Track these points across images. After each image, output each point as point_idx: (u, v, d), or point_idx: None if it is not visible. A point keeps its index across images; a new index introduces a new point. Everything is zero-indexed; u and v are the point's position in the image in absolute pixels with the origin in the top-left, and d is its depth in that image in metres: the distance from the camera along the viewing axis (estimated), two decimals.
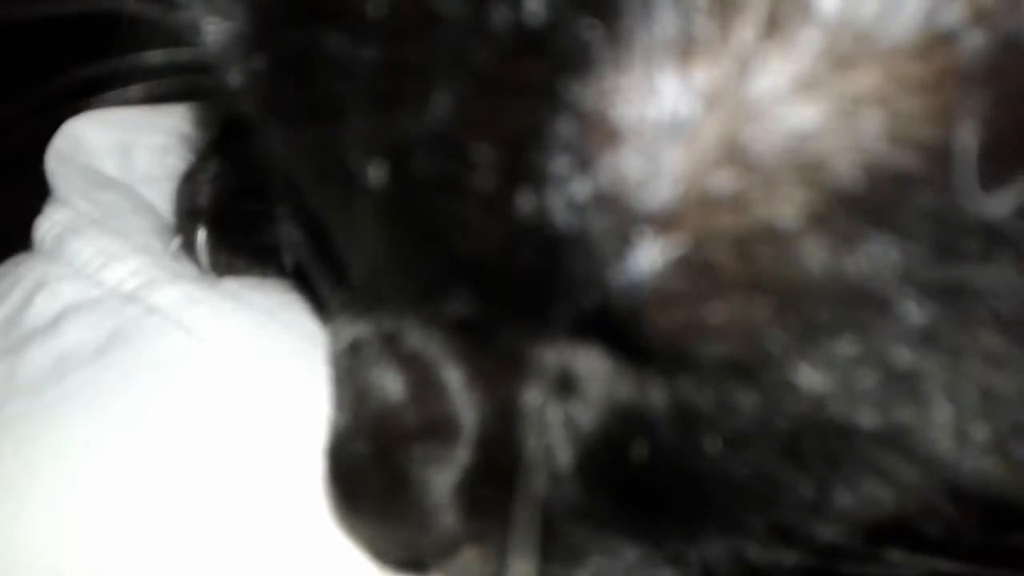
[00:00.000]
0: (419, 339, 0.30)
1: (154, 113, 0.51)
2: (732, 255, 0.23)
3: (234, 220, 0.44)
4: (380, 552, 0.34)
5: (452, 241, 0.26)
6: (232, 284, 0.44)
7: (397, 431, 0.31)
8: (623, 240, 0.24)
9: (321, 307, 0.39)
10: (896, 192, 0.22)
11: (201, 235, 0.44)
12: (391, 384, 0.31)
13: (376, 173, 0.26)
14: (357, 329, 0.31)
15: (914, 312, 0.23)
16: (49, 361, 0.40)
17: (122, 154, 0.49)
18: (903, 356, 0.24)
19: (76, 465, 0.37)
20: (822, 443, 0.26)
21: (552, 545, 0.31)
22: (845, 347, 0.24)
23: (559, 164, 0.24)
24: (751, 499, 0.27)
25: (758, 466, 0.26)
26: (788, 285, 0.23)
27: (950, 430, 0.25)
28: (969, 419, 0.25)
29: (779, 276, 0.23)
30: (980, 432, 0.25)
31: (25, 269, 0.45)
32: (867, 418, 0.25)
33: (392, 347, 0.30)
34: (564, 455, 0.30)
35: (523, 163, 0.24)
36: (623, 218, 0.23)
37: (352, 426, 0.32)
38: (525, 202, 0.24)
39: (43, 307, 0.43)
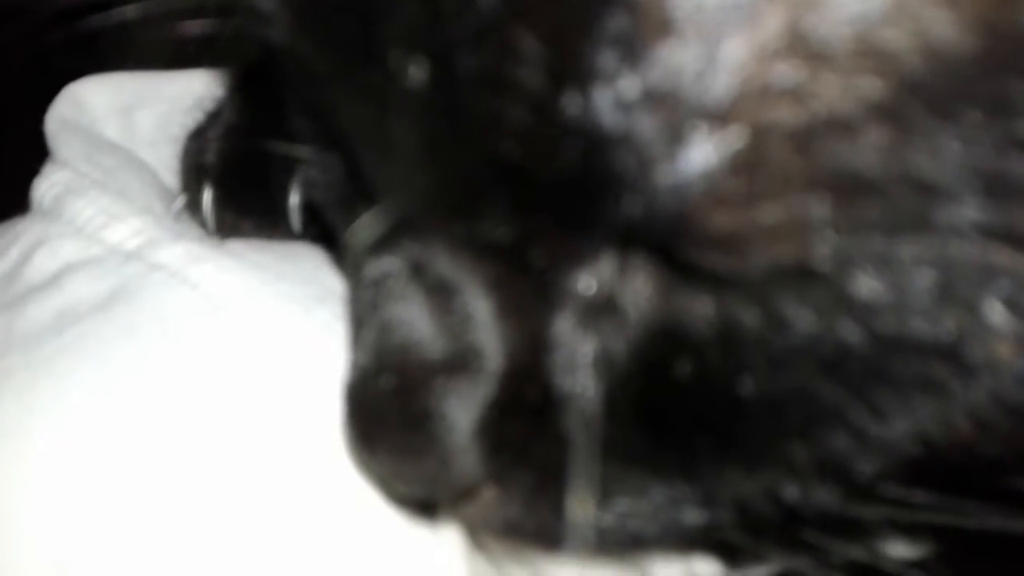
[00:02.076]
0: (447, 266, 0.29)
1: (158, 79, 0.50)
2: (791, 149, 0.22)
3: (242, 179, 0.43)
4: (397, 493, 0.33)
5: (493, 145, 0.25)
6: (238, 245, 0.43)
7: (421, 365, 0.30)
8: (674, 138, 0.23)
9: (336, 258, 0.39)
10: (963, 80, 0.22)
11: (207, 194, 0.43)
12: (417, 316, 0.30)
13: (417, 73, 0.25)
14: (382, 263, 0.31)
15: (976, 208, 0.22)
16: (49, 316, 0.39)
17: (124, 118, 0.48)
18: (963, 255, 0.23)
19: (77, 410, 0.35)
20: (873, 359, 0.25)
21: (573, 484, 0.30)
22: (903, 247, 0.23)
23: (608, 59, 0.23)
24: (793, 425, 0.27)
25: (803, 387, 0.26)
26: (848, 181, 0.22)
27: (1009, 337, 0.24)
28: None
29: (839, 171, 0.22)
30: None
31: (23, 227, 0.44)
32: (922, 327, 0.24)
33: (419, 277, 0.30)
34: (595, 386, 0.29)
35: (571, 58, 0.23)
36: (675, 114, 0.23)
37: (374, 362, 0.31)
38: (571, 101, 0.24)
39: (43, 264, 0.42)
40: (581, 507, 0.29)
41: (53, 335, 0.38)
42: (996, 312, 0.24)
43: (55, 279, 0.41)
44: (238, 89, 0.44)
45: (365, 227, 0.30)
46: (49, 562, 0.33)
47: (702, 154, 0.22)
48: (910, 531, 0.31)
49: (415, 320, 0.30)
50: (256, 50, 0.37)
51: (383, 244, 0.31)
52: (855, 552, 0.32)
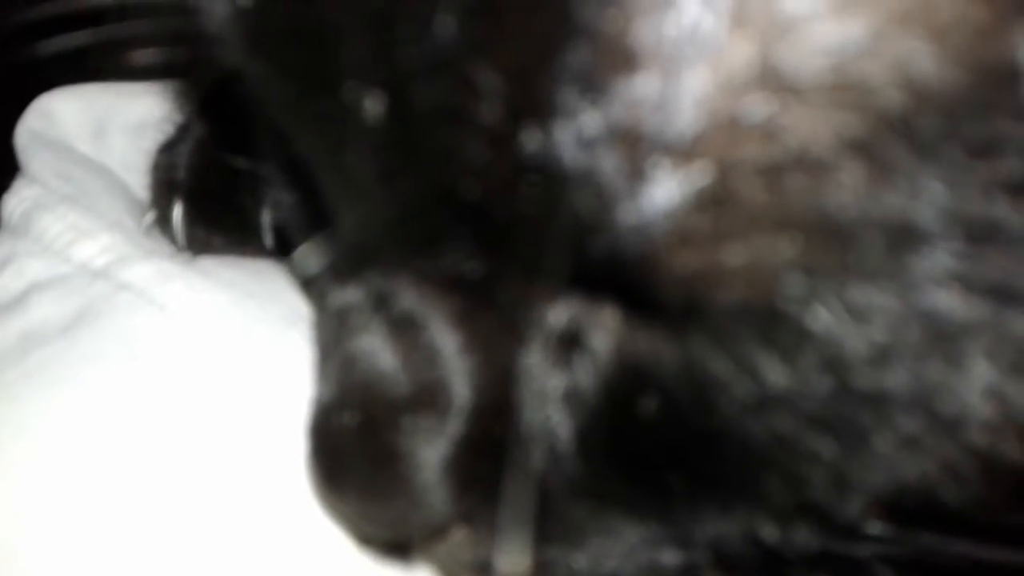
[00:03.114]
0: (412, 299, 0.28)
1: (130, 90, 0.49)
2: (759, 187, 0.21)
3: (213, 194, 0.42)
4: (364, 534, 0.32)
5: (452, 181, 0.24)
6: (208, 262, 0.42)
7: (386, 401, 0.29)
8: (637, 175, 0.22)
9: (304, 281, 0.38)
10: (946, 117, 0.20)
11: (177, 209, 0.42)
12: (381, 350, 0.29)
13: (373, 106, 0.24)
14: (346, 294, 0.29)
15: (955, 255, 0.21)
16: (13, 339, 0.38)
17: (96, 131, 0.47)
18: (940, 304, 0.22)
19: (39, 441, 0.34)
20: (845, 409, 0.24)
21: (548, 526, 0.29)
22: (876, 293, 0.22)
23: (569, 93, 0.22)
24: (768, 465, 0.25)
25: (776, 431, 0.24)
26: (820, 222, 0.21)
27: (986, 392, 0.23)
28: (1007, 380, 0.23)
29: (810, 211, 0.21)
30: (1019, 395, 0.23)
31: None
32: (893, 380, 0.23)
33: (383, 310, 0.28)
34: (565, 425, 0.28)
35: (530, 93, 0.22)
36: (638, 151, 0.22)
37: (337, 397, 0.29)
38: (531, 137, 0.22)
39: (9, 284, 0.41)
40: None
41: (17, 359, 0.37)
42: (971, 366, 0.22)
43: (20, 299, 0.39)
44: (207, 104, 0.42)
45: (309, 255, 0.29)
46: None
47: (666, 192, 0.21)
48: (897, 567, 0.30)
49: (379, 354, 0.29)
50: (218, 70, 0.36)
51: (346, 274, 0.29)
52: None
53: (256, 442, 0.35)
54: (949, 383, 0.23)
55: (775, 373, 0.23)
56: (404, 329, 0.28)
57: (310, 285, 0.33)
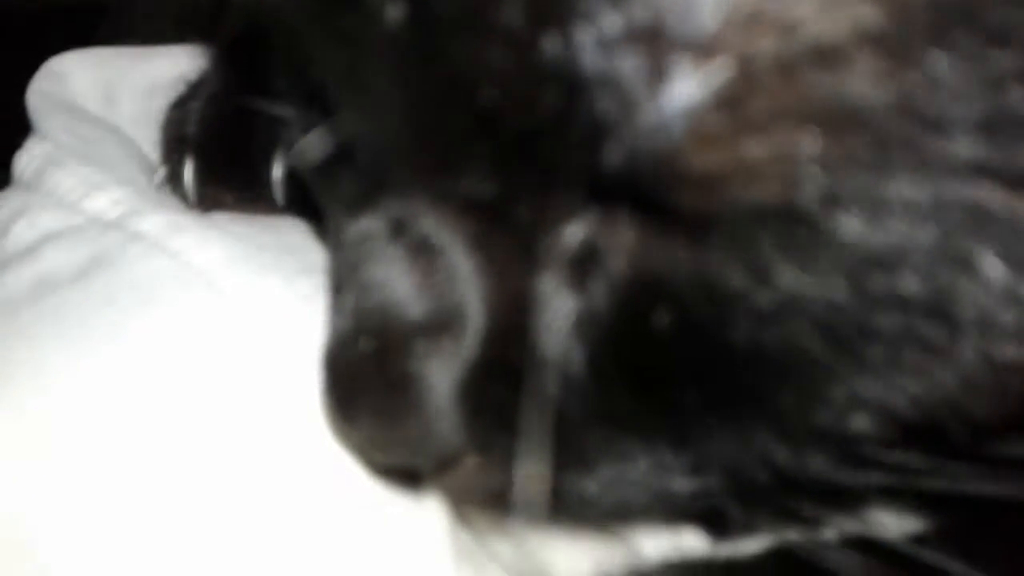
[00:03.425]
0: (429, 223, 0.28)
1: (140, 54, 0.49)
2: (778, 80, 0.21)
3: (224, 151, 0.42)
4: (377, 461, 0.32)
5: (472, 92, 0.24)
6: (220, 217, 0.42)
7: (401, 325, 0.29)
8: (657, 75, 0.22)
9: (319, 228, 0.38)
10: (962, 5, 0.21)
11: (188, 165, 0.42)
12: (396, 275, 0.29)
13: (393, 13, 0.24)
14: (361, 224, 0.30)
15: (971, 144, 0.21)
16: (25, 284, 0.38)
17: (106, 94, 0.47)
18: (956, 196, 0.22)
19: (52, 379, 0.34)
20: (860, 315, 0.24)
21: (560, 453, 0.29)
22: (894, 186, 0.22)
23: None
24: (782, 382, 0.26)
25: (791, 341, 0.25)
26: (838, 113, 0.21)
27: (1003, 296, 0.23)
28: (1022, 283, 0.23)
29: (829, 103, 0.21)
30: None
31: (2, 201, 0.43)
32: (912, 282, 0.23)
33: (399, 236, 0.29)
34: (579, 348, 0.28)
35: None
36: (658, 50, 0.22)
37: (353, 325, 0.30)
38: (552, 42, 0.23)
39: (21, 235, 0.41)
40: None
41: (29, 303, 0.37)
42: (988, 265, 0.23)
43: (33, 249, 0.40)
44: (223, 59, 0.43)
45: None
46: (11, 532, 0.32)
47: (686, 90, 0.22)
48: (904, 501, 0.30)
49: (395, 280, 0.29)
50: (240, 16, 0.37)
51: (362, 203, 0.30)
52: (848, 524, 0.31)
53: (266, 389, 0.35)
54: (964, 286, 0.23)
55: (791, 278, 0.24)
56: (421, 254, 0.28)
57: (326, 226, 0.33)
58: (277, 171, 0.41)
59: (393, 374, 0.29)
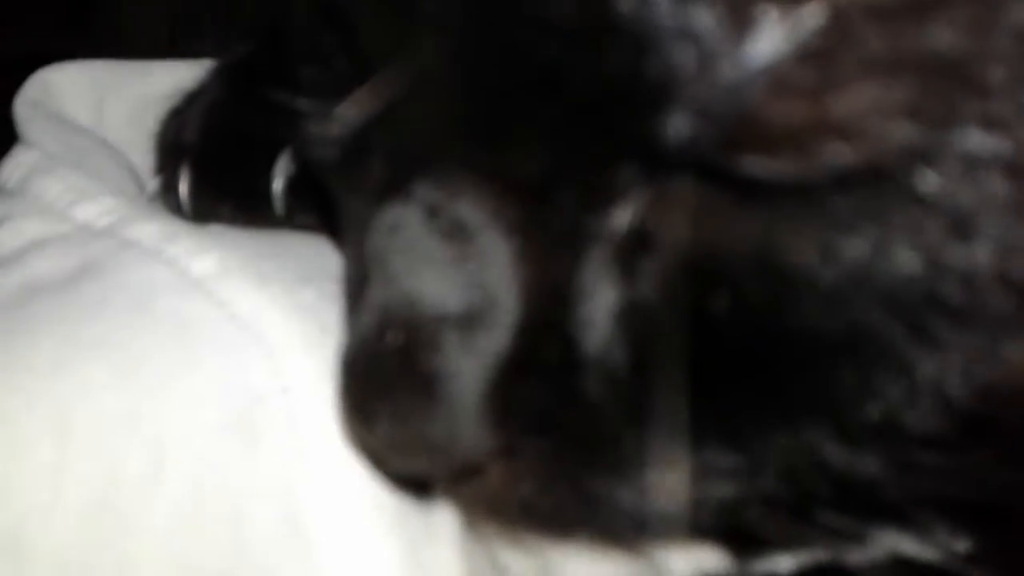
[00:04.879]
0: (466, 206, 0.26)
1: (131, 67, 0.48)
2: (870, 30, 0.20)
3: (222, 160, 0.41)
4: (393, 467, 0.30)
5: (533, 49, 0.23)
6: (216, 227, 0.40)
7: (430, 317, 0.27)
8: (741, 26, 0.21)
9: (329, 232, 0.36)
10: None
11: (184, 174, 0.40)
12: (427, 263, 0.27)
13: None
14: (391, 213, 0.28)
15: None
16: (12, 289, 0.36)
17: (96, 104, 0.46)
18: None
19: (41, 384, 0.32)
20: (932, 285, 0.23)
21: (594, 457, 0.28)
22: (980, 139, 0.21)
23: None
24: (841, 368, 0.24)
25: (855, 322, 0.23)
26: (932, 63, 0.21)
27: None
28: None
29: (922, 52, 0.21)
30: None
31: None
32: (986, 249, 0.22)
33: (433, 222, 0.27)
34: (622, 341, 0.26)
35: None
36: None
37: (378, 320, 0.28)
38: None
39: (6, 241, 0.39)
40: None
41: (16, 308, 0.35)
42: None
43: (19, 256, 0.38)
44: (227, 67, 0.41)
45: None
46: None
47: (771, 42, 0.21)
48: (953, 515, 0.29)
49: (426, 269, 0.27)
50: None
51: (393, 190, 0.28)
52: (891, 540, 0.29)
53: (265, 399, 0.33)
54: None
55: (864, 250, 0.22)
56: (455, 240, 0.27)
57: (345, 222, 0.32)
58: (278, 181, 0.40)
59: (420, 370, 0.27)
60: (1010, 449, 0.26)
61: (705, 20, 0.21)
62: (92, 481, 0.30)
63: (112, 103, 0.46)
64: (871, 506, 0.28)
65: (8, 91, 0.46)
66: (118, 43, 0.92)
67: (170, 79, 0.46)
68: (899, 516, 0.29)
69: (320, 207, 0.34)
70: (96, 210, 0.38)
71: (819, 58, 0.21)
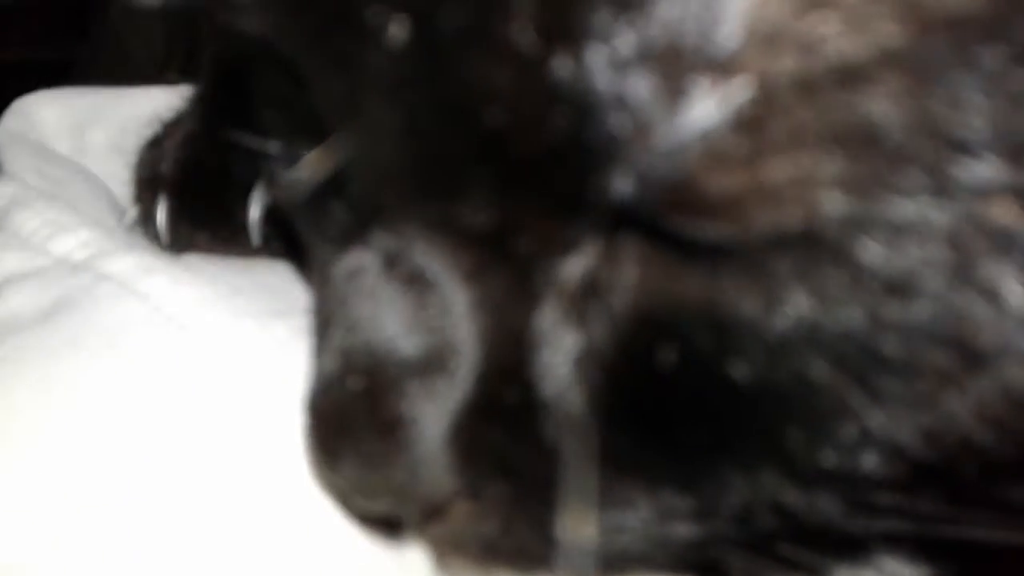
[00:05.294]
0: (423, 256, 0.27)
1: (109, 95, 0.48)
2: (800, 101, 0.21)
3: (199, 191, 0.41)
4: (359, 507, 0.30)
5: (477, 113, 0.23)
6: (193, 258, 0.41)
7: (391, 363, 0.28)
8: (674, 96, 0.21)
9: (300, 268, 0.37)
10: (988, 24, 0.20)
11: (161, 205, 0.41)
12: (388, 310, 0.28)
13: (397, 31, 0.23)
14: (352, 258, 0.28)
15: (998, 167, 0.21)
16: None
17: (75, 133, 0.46)
18: (982, 222, 0.21)
19: (14, 429, 0.33)
20: (875, 345, 0.23)
21: (557, 498, 0.28)
22: (918, 210, 0.21)
23: (604, 14, 0.21)
24: (791, 420, 0.25)
25: (802, 375, 0.24)
26: (861, 135, 0.21)
27: (1022, 322, 0.22)
28: None
29: (851, 124, 0.21)
30: None
31: None
32: (928, 309, 0.22)
33: (392, 270, 0.27)
34: (579, 386, 0.27)
35: (563, 15, 0.22)
36: (675, 70, 0.21)
37: (341, 364, 0.28)
38: (562, 63, 0.22)
39: None
40: (576, 525, 0.26)
41: None
42: (1008, 290, 0.22)
43: None
44: (202, 98, 0.41)
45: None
46: None
47: (704, 111, 0.21)
48: (910, 548, 0.29)
49: (386, 316, 0.28)
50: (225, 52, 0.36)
51: (353, 236, 0.29)
52: (851, 573, 0.30)
53: (239, 436, 0.33)
54: (982, 312, 0.22)
55: (806, 307, 0.23)
56: (413, 288, 0.27)
57: (310, 263, 0.32)
58: (254, 211, 0.40)
59: (382, 415, 0.28)
60: (962, 489, 0.26)
61: (640, 89, 0.21)
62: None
63: (92, 130, 0.47)
64: (829, 541, 0.28)
65: (5, 97, 0.46)
66: (114, 51, 0.92)
67: (150, 105, 0.46)
68: (857, 549, 0.29)
69: (289, 240, 0.35)
70: (73, 243, 0.39)
71: (751, 128, 0.21)
